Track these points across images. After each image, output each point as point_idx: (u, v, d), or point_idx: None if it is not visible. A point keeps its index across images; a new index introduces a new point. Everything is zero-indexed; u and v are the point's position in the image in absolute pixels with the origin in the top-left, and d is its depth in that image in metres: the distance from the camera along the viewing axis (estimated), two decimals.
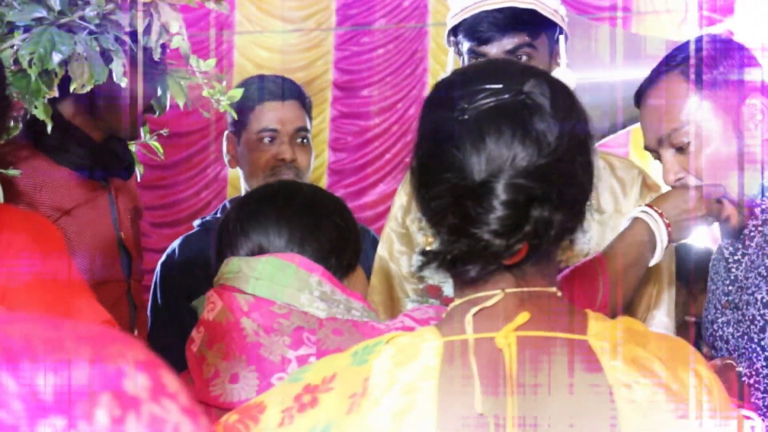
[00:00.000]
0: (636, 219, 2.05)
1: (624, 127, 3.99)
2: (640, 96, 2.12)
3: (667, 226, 2.02)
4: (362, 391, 1.26)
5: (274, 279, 1.77)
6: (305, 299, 1.75)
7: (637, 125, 4.78)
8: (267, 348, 1.72)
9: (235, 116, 2.59)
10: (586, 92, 3.91)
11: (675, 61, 2.07)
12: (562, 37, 2.34)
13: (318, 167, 7.97)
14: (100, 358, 0.77)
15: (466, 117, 1.29)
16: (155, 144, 2.62)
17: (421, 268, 1.31)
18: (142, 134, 2.52)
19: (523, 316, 1.27)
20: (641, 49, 4.21)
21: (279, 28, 8.43)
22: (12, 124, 2.14)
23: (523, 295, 1.29)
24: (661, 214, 2.03)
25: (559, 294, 1.32)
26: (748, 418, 1.55)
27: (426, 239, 1.32)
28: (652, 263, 2.07)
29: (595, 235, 2.31)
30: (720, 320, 2.07)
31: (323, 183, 8.06)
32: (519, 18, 2.25)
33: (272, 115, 3.00)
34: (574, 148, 1.29)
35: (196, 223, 3.10)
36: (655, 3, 8.05)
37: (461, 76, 1.35)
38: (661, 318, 2.36)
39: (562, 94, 1.32)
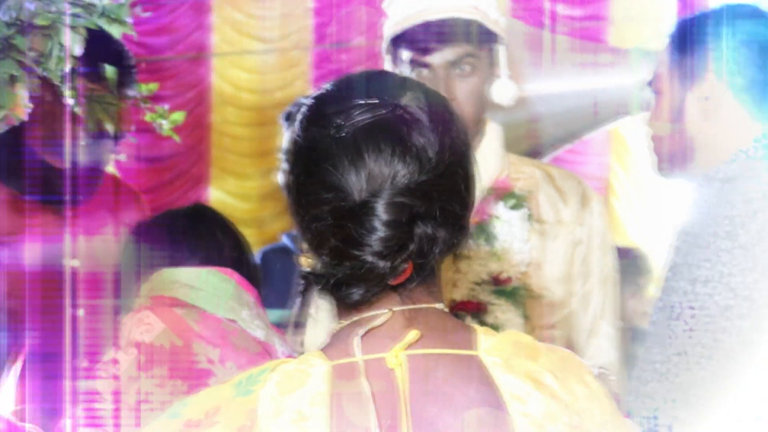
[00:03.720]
0: None
1: (579, 136, 3.99)
2: None
3: None
4: (251, 423, 1.22)
5: (215, 291, 1.73)
6: (246, 315, 1.73)
7: (616, 126, 4.79)
8: (219, 379, 1.69)
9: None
10: (543, 102, 3.91)
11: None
12: (503, 48, 2.32)
13: None
14: None
15: (343, 134, 1.25)
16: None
17: (303, 292, 1.29)
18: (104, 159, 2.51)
19: (413, 335, 1.25)
20: (599, 58, 4.21)
21: (257, 49, 8.42)
22: None
23: (411, 313, 1.27)
24: None
25: (446, 310, 1.30)
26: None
27: (305, 260, 1.30)
28: None
29: (535, 245, 2.29)
30: (657, 305, 2.06)
31: None
32: (462, 29, 2.23)
33: None
34: (455, 162, 1.27)
35: None
36: (630, 11, 8.05)
37: (335, 92, 1.31)
38: (607, 328, 2.34)
39: (440, 107, 1.29)
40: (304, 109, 1.31)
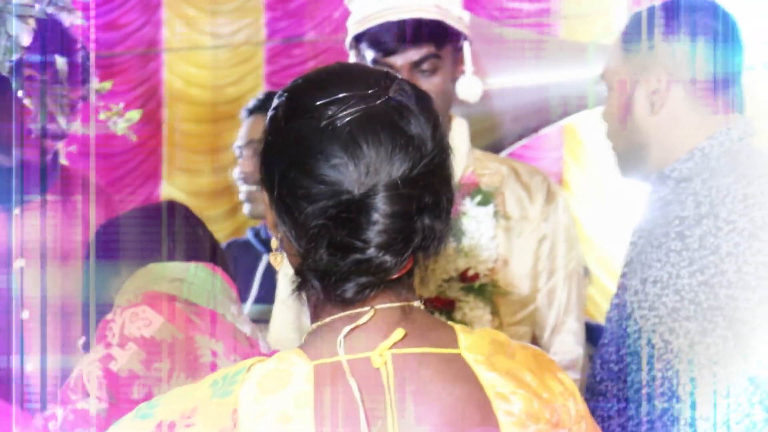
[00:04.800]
0: None
1: (536, 130, 3.98)
2: None
3: None
4: (233, 424, 1.18)
5: (205, 285, 1.69)
6: (234, 310, 1.70)
7: (570, 122, 4.82)
8: None
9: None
10: (505, 96, 3.91)
11: None
12: (466, 44, 2.30)
13: None
14: None
15: (337, 125, 1.22)
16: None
17: (298, 288, 1.25)
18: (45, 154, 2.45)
19: (399, 333, 1.23)
20: (557, 53, 4.21)
21: (208, 44, 8.36)
22: None
23: (393, 311, 1.24)
24: None
25: (423, 307, 1.28)
26: None
27: (273, 258, 1.27)
28: None
29: (501, 242, 2.28)
30: (614, 302, 2.06)
31: None
32: (425, 29, 2.21)
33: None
34: (444, 152, 1.25)
35: None
36: (582, 6, 8.09)
37: (317, 82, 1.27)
38: (572, 324, 2.34)
39: (424, 96, 1.27)
40: (283, 100, 1.26)
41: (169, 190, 8.20)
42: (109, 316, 1.68)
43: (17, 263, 2.46)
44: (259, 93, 3.32)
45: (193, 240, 1.77)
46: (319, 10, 8.18)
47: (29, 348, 2.45)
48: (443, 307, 2.21)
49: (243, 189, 3.22)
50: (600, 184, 7.70)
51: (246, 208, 3.22)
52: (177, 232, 1.77)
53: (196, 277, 1.68)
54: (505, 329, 2.27)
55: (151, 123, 8.10)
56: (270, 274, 3.14)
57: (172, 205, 1.82)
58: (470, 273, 2.24)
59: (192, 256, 1.75)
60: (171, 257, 1.75)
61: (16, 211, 2.43)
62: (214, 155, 8.29)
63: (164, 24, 8.35)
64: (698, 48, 2.01)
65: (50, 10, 1.70)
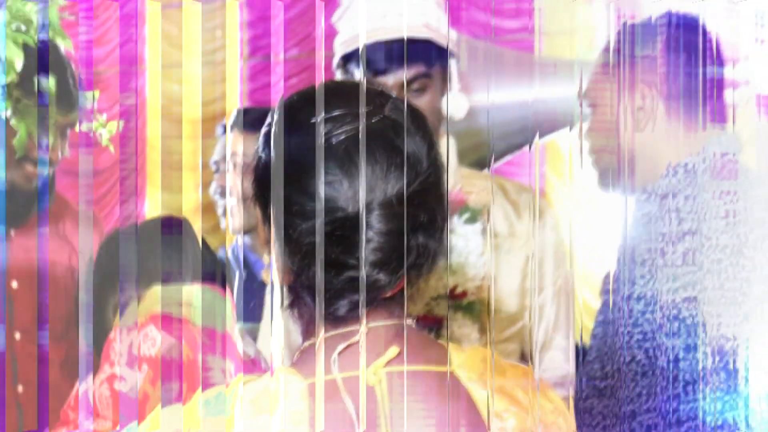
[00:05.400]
0: None
1: (521, 147, 4.00)
2: None
3: None
4: None
5: (212, 308, 1.68)
6: (238, 331, 1.69)
7: (552, 139, 4.82)
8: None
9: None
10: (491, 113, 3.91)
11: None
12: (453, 61, 2.31)
13: None
14: None
15: (332, 143, 1.22)
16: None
17: (291, 305, 1.26)
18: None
19: (393, 351, 1.23)
20: (542, 69, 4.23)
21: (190, 61, 8.35)
22: None
23: (387, 329, 1.25)
24: None
25: (414, 325, 1.29)
26: None
27: (267, 274, 1.27)
28: None
29: (489, 259, 2.29)
30: (598, 318, 2.07)
31: None
32: (414, 49, 2.22)
33: None
34: (438, 170, 1.25)
35: None
36: (562, 22, 8.13)
37: (309, 100, 1.28)
38: (560, 341, 2.35)
39: (418, 115, 1.28)
40: (278, 117, 1.27)
41: (151, 207, 8.17)
42: (111, 335, 1.66)
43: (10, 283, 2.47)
44: (234, 109, 3.33)
45: (197, 258, 1.75)
46: (301, 27, 8.18)
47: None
48: (432, 325, 2.22)
49: (220, 203, 3.23)
50: (585, 200, 7.72)
51: (229, 223, 3.23)
52: (183, 249, 1.76)
53: (204, 300, 1.67)
54: (495, 347, 2.28)
55: (134, 140, 8.08)
56: (249, 291, 3.14)
57: (174, 221, 1.80)
58: (458, 290, 2.25)
59: (197, 275, 1.74)
60: (177, 277, 1.74)
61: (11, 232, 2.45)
62: (196, 172, 8.27)
63: (146, 41, 8.34)
64: (681, 64, 2.03)
65: (42, 35, 1.70)
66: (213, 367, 1.60)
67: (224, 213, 3.19)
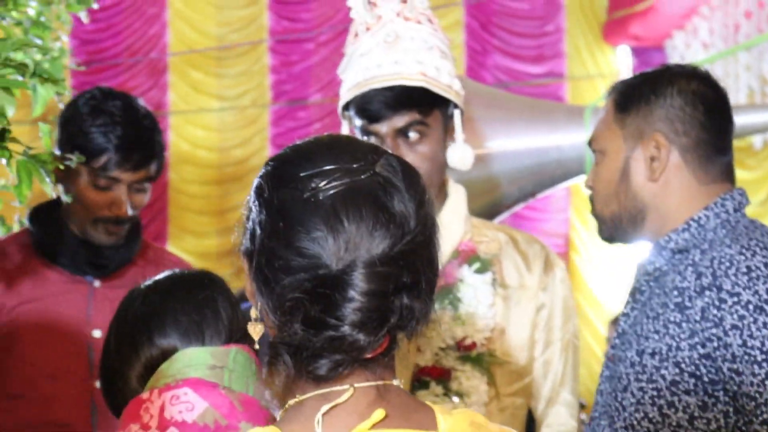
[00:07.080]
0: None
1: (533, 194, 3.98)
2: None
3: None
4: None
5: (245, 371, 1.63)
6: (268, 395, 1.64)
7: (576, 183, 4.80)
8: None
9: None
10: (499, 160, 3.89)
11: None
12: (457, 112, 2.28)
13: None
14: None
15: (320, 198, 1.19)
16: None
17: (270, 362, 1.22)
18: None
19: (379, 414, 1.19)
20: (555, 115, 4.23)
21: (214, 107, 8.40)
22: None
23: (374, 390, 1.21)
24: None
25: (401, 386, 1.24)
26: None
27: (253, 328, 1.24)
28: None
29: (499, 310, 2.24)
30: (604, 374, 2.01)
31: None
32: (409, 96, 2.20)
33: None
34: (429, 230, 1.22)
35: None
36: (588, 67, 8.12)
37: (304, 153, 1.25)
38: (566, 396, 2.30)
39: (411, 173, 1.24)
40: (269, 169, 1.24)
41: (174, 252, 8.19)
42: (144, 395, 1.60)
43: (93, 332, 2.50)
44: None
45: (231, 319, 1.69)
46: (323, 72, 8.22)
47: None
48: (439, 376, 2.17)
49: None
50: (607, 245, 7.64)
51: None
52: (216, 308, 1.70)
53: (236, 363, 1.61)
54: (502, 400, 2.23)
55: (157, 185, 8.11)
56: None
57: (209, 278, 1.73)
58: (467, 342, 2.20)
59: (230, 337, 1.67)
60: (212, 339, 1.67)
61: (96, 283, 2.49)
62: (219, 217, 8.29)
63: (170, 87, 8.39)
64: (692, 114, 2.00)
65: (34, 81, 1.69)
66: None
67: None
